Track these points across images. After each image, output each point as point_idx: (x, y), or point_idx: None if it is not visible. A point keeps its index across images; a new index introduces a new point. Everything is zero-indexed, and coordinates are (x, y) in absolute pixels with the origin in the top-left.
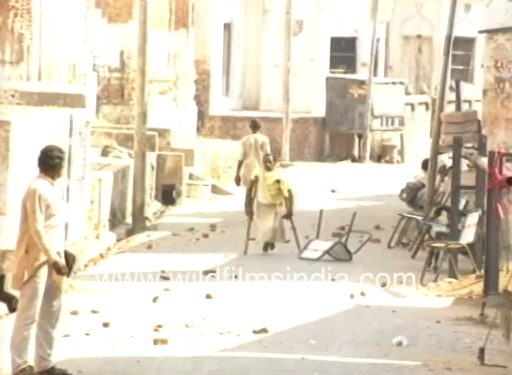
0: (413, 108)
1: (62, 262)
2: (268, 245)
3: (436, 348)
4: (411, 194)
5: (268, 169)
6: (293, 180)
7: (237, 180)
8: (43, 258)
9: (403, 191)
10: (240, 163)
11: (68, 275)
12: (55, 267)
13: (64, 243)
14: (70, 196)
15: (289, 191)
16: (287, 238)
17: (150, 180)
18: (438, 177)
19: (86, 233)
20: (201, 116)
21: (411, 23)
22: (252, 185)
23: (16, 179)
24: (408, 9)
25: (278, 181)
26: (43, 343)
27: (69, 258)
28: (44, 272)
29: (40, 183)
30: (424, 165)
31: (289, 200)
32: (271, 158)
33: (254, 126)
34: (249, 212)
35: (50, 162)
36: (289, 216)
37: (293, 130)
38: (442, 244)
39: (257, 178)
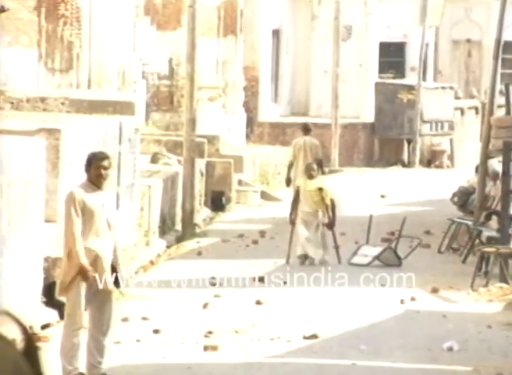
0: (462, 113)
1: (104, 269)
2: (306, 257)
3: (487, 353)
4: (463, 198)
5: (311, 177)
6: (342, 186)
7: (287, 182)
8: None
9: (454, 194)
10: (291, 165)
11: (117, 285)
12: (80, 272)
13: (113, 251)
14: (120, 203)
15: (332, 200)
16: (326, 258)
17: (199, 186)
18: (491, 183)
19: (136, 240)
20: (250, 122)
21: (460, 27)
22: (297, 194)
23: (65, 186)
24: (457, 13)
25: (320, 189)
26: (93, 351)
27: (117, 269)
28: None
29: (81, 188)
30: (478, 169)
31: (332, 209)
32: (314, 166)
33: (305, 128)
34: (292, 221)
35: (92, 168)
36: (331, 225)
37: (342, 135)
38: (492, 249)
39: (299, 187)
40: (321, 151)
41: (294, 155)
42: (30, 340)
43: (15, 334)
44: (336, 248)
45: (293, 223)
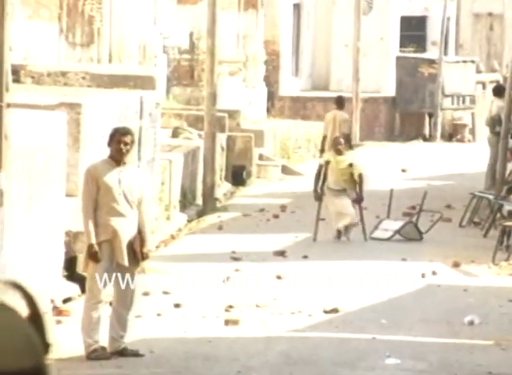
0: (484, 87)
1: (122, 245)
2: (341, 232)
3: (508, 326)
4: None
5: (339, 152)
6: (364, 160)
7: (321, 153)
8: (102, 237)
9: (492, 124)
10: (324, 138)
11: (138, 260)
12: (88, 252)
13: (140, 226)
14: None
15: (360, 175)
16: (355, 220)
17: (220, 161)
18: None
19: (156, 215)
20: (271, 96)
21: (482, 0)
22: (321, 169)
23: (86, 161)
24: None
25: (351, 165)
26: (115, 324)
27: (136, 245)
28: (104, 251)
29: (97, 164)
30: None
31: (360, 185)
32: (341, 140)
33: (337, 102)
34: (318, 197)
35: (114, 143)
36: (359, 200)
37: (362, 109)
38: None
39: (327, 163)
40: (350, 126)
41: (326, 128)
42: (37, 308)
43: (21, 303)
44: (363, 224)
45: (319, 198)
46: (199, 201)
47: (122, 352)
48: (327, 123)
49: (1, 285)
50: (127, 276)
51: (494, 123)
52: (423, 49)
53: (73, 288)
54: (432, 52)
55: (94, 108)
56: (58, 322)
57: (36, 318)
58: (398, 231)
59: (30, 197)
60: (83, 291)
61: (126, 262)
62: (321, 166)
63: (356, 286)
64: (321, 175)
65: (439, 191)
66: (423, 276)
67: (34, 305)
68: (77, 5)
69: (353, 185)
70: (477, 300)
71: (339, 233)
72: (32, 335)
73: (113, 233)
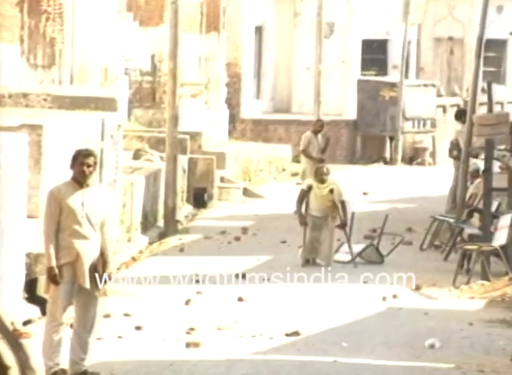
0: (444, 111)
1: (84, 268)
2: (309, 261)
3: (469, 350)
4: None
5: (322, 181)
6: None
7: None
8: (64, 260)
9: (450, 149)
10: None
11: (101, 283)
12: (48, 275)
13: (102, 249)
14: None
15: (342, 201)
16: (330, 260)
17: (181, 183)
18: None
19: (118, 237)
20: (233, 118)
21: (443, 24)
22: (304, 194)
23: (48, 182)
24: (440, 11)
25: (331, 191)
26: (76, 347)
27: (99, 268)
28: (66, 273)
29: (60, 186)
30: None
31: (343, 210)
32: (325, 170)
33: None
34: (303, 221)
35: (76, 165)
36: (343, 226)
37: (324, 132)
38: (474, 247)
39: (309, 188)
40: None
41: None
42: (12, 334)
43: None
44: (349, 245)
45: (305, 223)
46: (160, 223)
47: None
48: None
49: None
50: (89, 298)
51: (452, 147)
52: (384, 72)
53: (34, 310)
54: (393, 76)
55: (55, 130)
56: None
57: (13, 343)
58: (359, 254)
59: None
60: (43, 313)
61: (87, 285)
62: (303, 191)
63: (317, 308)
64: (303, 199)
65: (400, 214)
66: (384, 299)
67: (4, 327)
68: (39, 26)
69: (336, 211)
70: (438, 323)
71: (306, 261)
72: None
73: (76, 255)
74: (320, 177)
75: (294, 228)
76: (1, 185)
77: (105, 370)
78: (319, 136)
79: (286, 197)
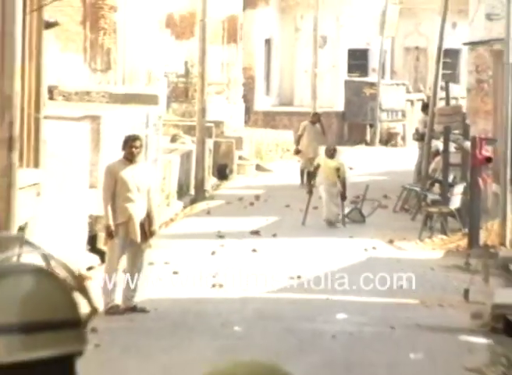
0: (412, 104)
1: (135, 225)
2: (331, 222)
3: (431, 289)
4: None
5: (332, 156)
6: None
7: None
8: (119, 220)
9: (414, 134)
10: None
11: (147, 237)
12: (105, 230)
13: (148, 210)
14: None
15: (343, 178)
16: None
17: (208, 160)
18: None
19: (159, 202)
20: (248, 111)
21: (411, 37)
22: (315, 170)
23: (104, 160)
24: (409, 27)
25: (338, 169)
26: (128, 287)
27: (146, 226)
28: (121, 230)
29: (115, 163)
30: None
31: (343, 186)
32: (333, 148)
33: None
34: (310, 191)
35: (127, 147)
36: (343, 197)
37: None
38: (435, 209)
39: (318, 166)
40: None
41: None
42: (78, 278)
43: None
44: (342, 214)
45: (311, 192)
46: (192, 191)
47: (133, 309)
48: (302, 131)
49: (39, 256)
50: (138, 249)
51: (415, 132)
52: (365, 74)
53: (95, 259)
54: (372, 77)
55: (110, 120)
56: None
57: (79, 285)
58: (346, 215)
59: (61, 188)
60: (102, 261)
61: (138, 239)
62: (314, 168)
63: (315, 257)
64: (315, 175)
65: (378, 184)
66: (365, 250)
67: (72, 273)
68: (98, 39)
69: (340, 181)
70: (407, 269)
71: (329, 222)
72: (72, 294)
73: (128, 216)
74: (329, 153)
75: (296, 196)
76: (68, 162)
77: (150, 305)
78: (317, 125)
79: (289, 171)
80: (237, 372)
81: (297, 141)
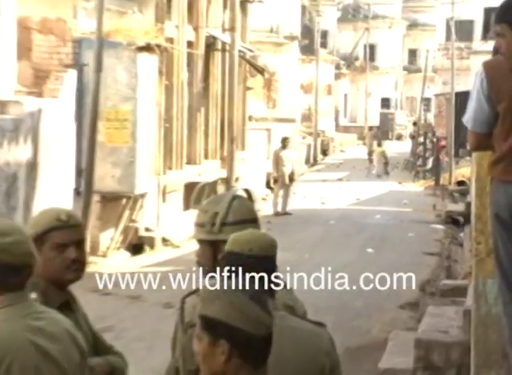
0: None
1: (285, 176)
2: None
3: (418, 204)
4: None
5: (379, 145)
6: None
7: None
8: (279, 174)
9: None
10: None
11: (291, 181)
12: (273, 179)
13: (290, 169)
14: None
15: (387, 158)
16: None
17: (318, 147)
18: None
19: (297, 166)
20: (336, 124)
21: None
22: (371, 152)
23: (271, 149)
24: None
25: (383, 153)
26: (284, 202)
27: (291, 175)
28: (280, 178)
29: (276, 149)
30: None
31: (387, 161)
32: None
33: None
34: (370, 160)
35: (282, 142)
36: (387, 164)
37: None
38: (420, 169)
39: (371, 153)
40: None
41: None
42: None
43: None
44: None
45: (370, 161)
46: (311, 161)
47: (285, 213)
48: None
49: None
50: (288, 186)
51: (410, 134)
52: None
53: (268, 191)
54: None
55: (275, 130)
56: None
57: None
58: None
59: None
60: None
61: (287, 182)
62: (371, 151)
63: (367, 190)
64: (371, 153)
65: (394, 159)
66: (390, 187)
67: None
68: (270, 94)
69: (382, 156)
70: (407, 195)
71: (378, 175)
72: (254, 207)
73: (281, 171)
74: (378, 143)
75: (360, 163)
76: (249, 151)
77: (293, 211)
78: (373, 131)
79: (356, 152)
80: (243, 235)
81: (363, 138)
